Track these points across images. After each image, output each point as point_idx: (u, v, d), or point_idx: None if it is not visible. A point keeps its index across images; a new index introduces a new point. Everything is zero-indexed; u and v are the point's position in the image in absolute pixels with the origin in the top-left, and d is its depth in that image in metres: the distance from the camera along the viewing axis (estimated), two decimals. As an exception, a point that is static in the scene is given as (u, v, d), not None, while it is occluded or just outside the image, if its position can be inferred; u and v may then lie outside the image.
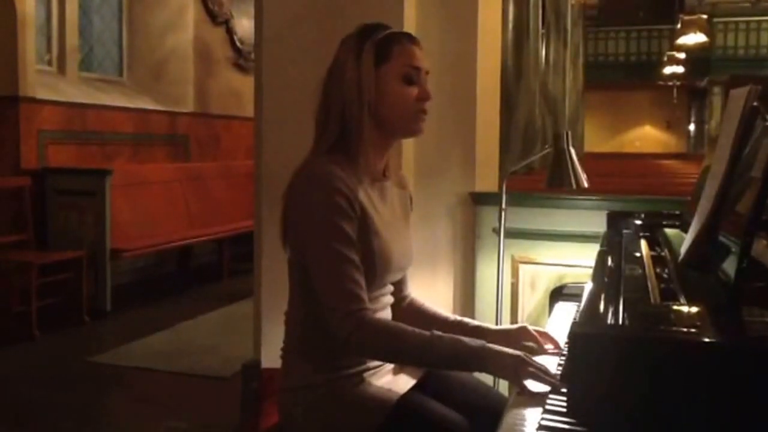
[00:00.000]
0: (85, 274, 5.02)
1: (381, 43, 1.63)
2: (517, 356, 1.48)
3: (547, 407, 1.29)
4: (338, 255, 1.54)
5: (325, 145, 1.64)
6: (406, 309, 1.85)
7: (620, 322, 1.20)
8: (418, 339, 1.53)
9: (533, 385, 1.40)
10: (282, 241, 1.70)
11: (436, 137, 2.86)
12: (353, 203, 1.58)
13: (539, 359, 1.56)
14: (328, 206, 1.56)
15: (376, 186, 1.69)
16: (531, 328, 1.74)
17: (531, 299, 2.95)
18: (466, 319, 1.84)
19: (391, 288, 1.76)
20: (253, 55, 3.36)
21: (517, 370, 1.44)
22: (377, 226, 1.62)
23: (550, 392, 1.37)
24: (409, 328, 1.56)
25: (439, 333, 1.54)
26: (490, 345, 1.52)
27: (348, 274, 1.54)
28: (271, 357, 2.32)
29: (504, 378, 1.53)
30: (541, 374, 1.42)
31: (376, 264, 1.61)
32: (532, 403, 1.33)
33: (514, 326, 1.79)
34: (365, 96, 1.61)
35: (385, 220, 1.66)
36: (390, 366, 1.71)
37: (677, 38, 14.32)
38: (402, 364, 1.70)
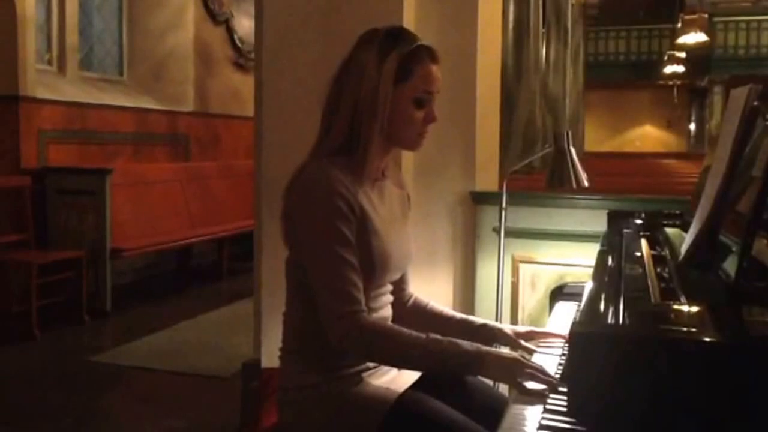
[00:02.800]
0: (85, 273, 5.01)
1: (404, 59, 1.61)
2: (514, 358, 1.48)
3: (548, 406, 1.29)
4: (336, 257, 1.54)
5: (328, 147, 1.63)
6: (409, 308, 1.85)
7: (620, 321, 1.20)
8: (414, 342, 1.53)
9: (531, 385, 1.40)
10: (284, 240, 1.70)
11: (436, 137, 2.83)
12: (353, 206, 1.57)
13: (536, 359, 1.56)
14: (327, 208, 1.55)
15: (375, 186, 1.69)
16: (539, 329, 1.74)
17: (531, 299, 2.95)
18: (472, 317, 1.83)
19: (390, 287, 1.76)
20: (253, 55, 3.36)
21: (514, 372, 1.44)
22: (376, 226, 1.62)
23: (550, 391, 1.37)
24: (405, 330, 1.55)
25: (435, 336, 1.54)
26: (487, 348, 1.52)
27: (345, 275, 1.54)
28: (271, 356, 2.32)
29: (501, 381, 1.52)
30: (539, 374, 1.41)
31: (375, 264, 1.61)
32: (533, 402, 1.33)
33: (524, 328, 1.79)
34: (380, 110, 1.60)
35: (384, 220, 1.66)
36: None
37: (678, 37, 14.34)
38: (397, 367, 1.69)
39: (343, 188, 1.57)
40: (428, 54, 1.66)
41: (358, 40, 1.67)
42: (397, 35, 1.65)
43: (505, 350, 1.63)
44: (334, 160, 1.61)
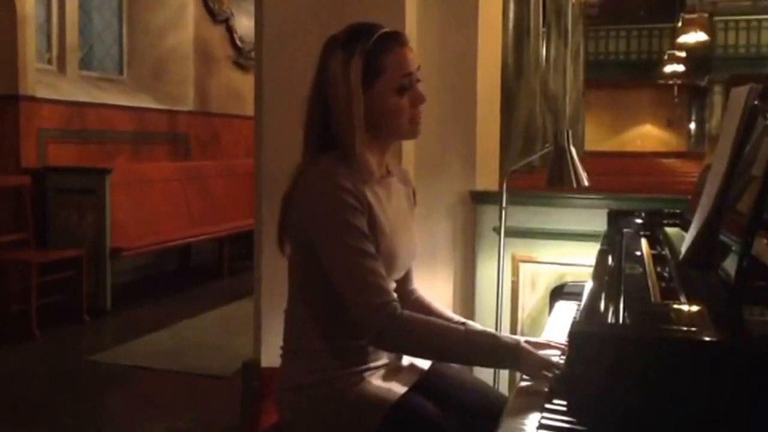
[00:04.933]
0: (85, 272, 5.01)
1: (370, 55, 1.59)
2: (548, 361, 1.46)
3: (548, 406, 1.29)
4: (355, 250, 1.53)
5: (327, 156, 1.62)
6: (411, 304, 1.84)
7: (621, 321, 1.20)
8: (454, 334, 1.54)
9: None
10: (279, 243, 1.69)
11: (436, 136, 2.85)
12: (361, 199, 1.57)
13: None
14: (337, 205, 1.55)
15: (382, 184, 1.68)
16: (534, 339, 1.73)
17: (531, 298, 2.95)
18: (470, 322, 1.83)
19: (394, 284, 1.76)
20: (253, 54, 3.36)
21: (551, 372, 1.42)
22: (383, 224, 1.62)
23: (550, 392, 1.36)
24: (444, 322, 1.58)
25: (473, 329, 1.56)
26: (525, 345, 1.51)
27: (369, 267, 1.53)
28: (271, 356, 2.32)
29: (538, 378, 1.46)
30: None
31: (383, 263, 1.60)
32: (533, 402, 1.33)
33: (521, 339, 1.78)
34: (355, 116, 1.58)
35: (391, 218, 1.66)
36: (389, 365, 1.70)
37: (678, 37, 14.34)
38: (435, 359, 1.70)
39: (348, 184, 1.56)
40: (393, 40, 1.63)
41: (322, 50, 1.65)
42: (357, 33, 1.62)
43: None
44: (335, 163, 1.60)
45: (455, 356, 1.60)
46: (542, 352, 1.63)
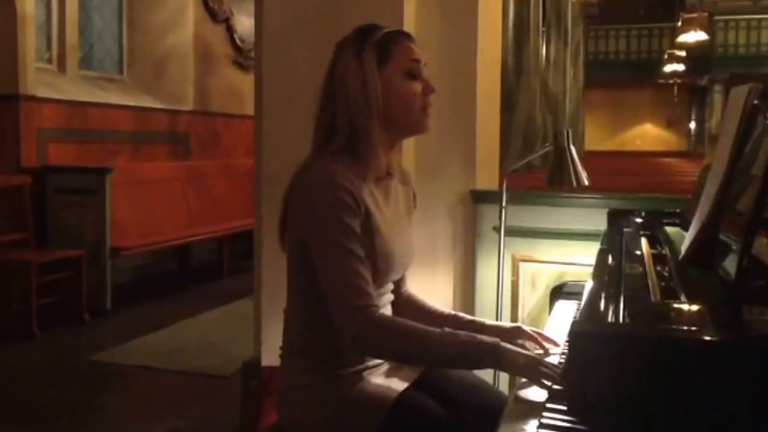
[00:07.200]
0: (85, 272, 5.01)
1: (380, 44, 1.64)
2: (531, 356, 1.47)
3: (548, 405, 1.29)
4: (344, 250, 1.53)
5: (330, 149, 1.63)
6: (403, 304, 1.84)
7: (621, 320, 1.20)
8: (430, 336, 1.52)
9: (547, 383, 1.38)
10: (280, 241, 1.69)
11: (436, 135, 2.85)
12: (358, 201, 1.57)
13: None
14: (333, 203, 1.55)
15: (380, 185, 1.69)
16: (526, 328, 1.73)
17: (531, 297, 2.95)
18: (461, 314, 1.83)
19: (391, 286, 1.76)
20: (253, 53, 3.36)
21: (531, 369, 1.42)
22: (380, 226, 1.62)
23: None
24: (420, 325, 1.55)
25: (451, 330, 1.53)
26: (505, 343, 1.50)
27: (354, 269, 1.53)
28: (271, 355, 2.32)
29: (520, 375, 1.47)
30: (554, 374, 1.39)
31: (378, 264, 1.61)
32: (533, 401, 1.33)
33: (509, 324, 1.78)
34: (372, 100, 1.61)
35: (388, 219, 1.66)
36: (389, 364, 1.70)
37: (678, 36, 14.32)
38: (412, 363, 1.68)
39: (347, 183, 1.56)
40: (401, 33, 1.70)
41: (334, 49, 1.69)
42: (367, 29, 1.67)
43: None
44: (337, 158, 1.61)
45: (431, 359, 1.58)
46: (539, 351, 1.64)
